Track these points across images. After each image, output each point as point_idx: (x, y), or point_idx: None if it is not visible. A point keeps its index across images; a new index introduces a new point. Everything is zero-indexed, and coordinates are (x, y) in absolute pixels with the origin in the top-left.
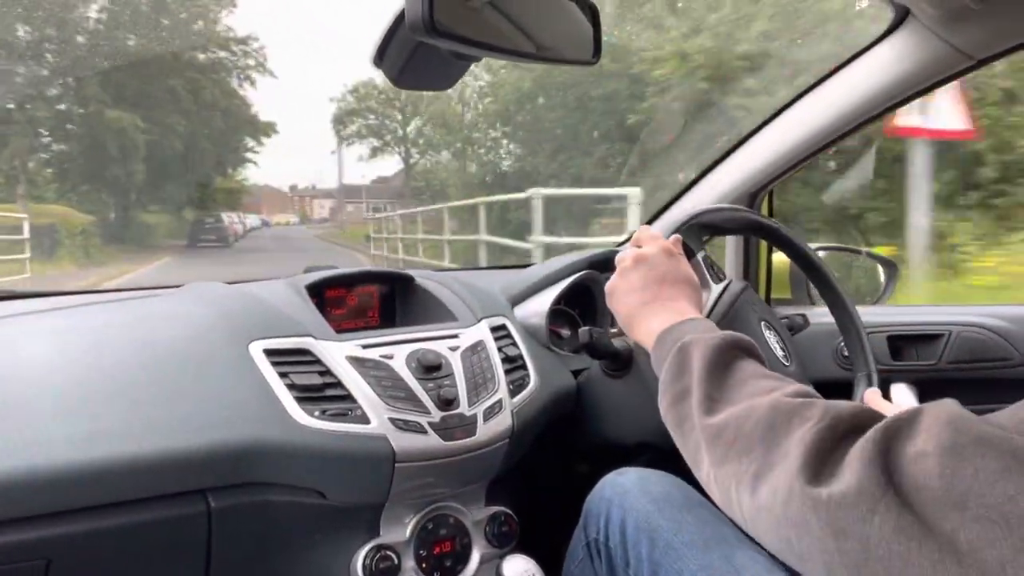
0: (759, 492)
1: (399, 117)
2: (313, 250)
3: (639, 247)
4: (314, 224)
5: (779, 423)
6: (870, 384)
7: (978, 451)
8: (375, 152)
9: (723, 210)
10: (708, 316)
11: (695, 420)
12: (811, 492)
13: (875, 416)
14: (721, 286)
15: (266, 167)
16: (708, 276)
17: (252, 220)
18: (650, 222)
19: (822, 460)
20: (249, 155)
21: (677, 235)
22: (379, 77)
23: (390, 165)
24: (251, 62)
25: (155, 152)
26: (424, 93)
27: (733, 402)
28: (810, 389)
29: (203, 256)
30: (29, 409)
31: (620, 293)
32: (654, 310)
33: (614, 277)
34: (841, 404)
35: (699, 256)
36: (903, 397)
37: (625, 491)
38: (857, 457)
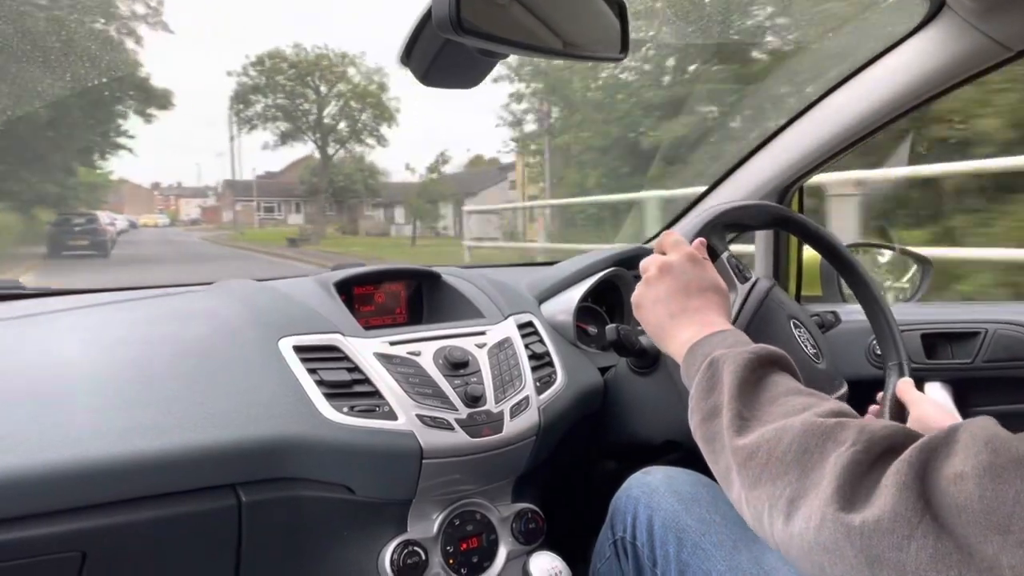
0: (793, 518)
1: (313, 97)
2: (220, 258)
3: (663, 254)
4: (186, 225)
5: (813, 446)
6: (902, 374)
7: (1018, 473)
8: (284, 139)
9: (748, 206)
10: (735, 318)
11: (726, 440)
12: (844, 519)
13: (910, 435)
14: (747, 286)
15: (125, 161)
16: (734, 277)
17: (121, 221)
18: (674, 221)
19: (856, 484)
20: (123, 140)
21: (701, 238)
22: (289, 48)
23: (285, 158)
24: (139, 9)
25: (8, 124)
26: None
27: (765, 422)
28: (844, 406)
29: (79, 270)
30: (63, 404)
31: (647, 304)
32: (682, 322)
33: (639, 287)
34: (875, 424)
35: (724, 257)
36: (938, 396)
37: (652, 490)
38: (892, 481)
